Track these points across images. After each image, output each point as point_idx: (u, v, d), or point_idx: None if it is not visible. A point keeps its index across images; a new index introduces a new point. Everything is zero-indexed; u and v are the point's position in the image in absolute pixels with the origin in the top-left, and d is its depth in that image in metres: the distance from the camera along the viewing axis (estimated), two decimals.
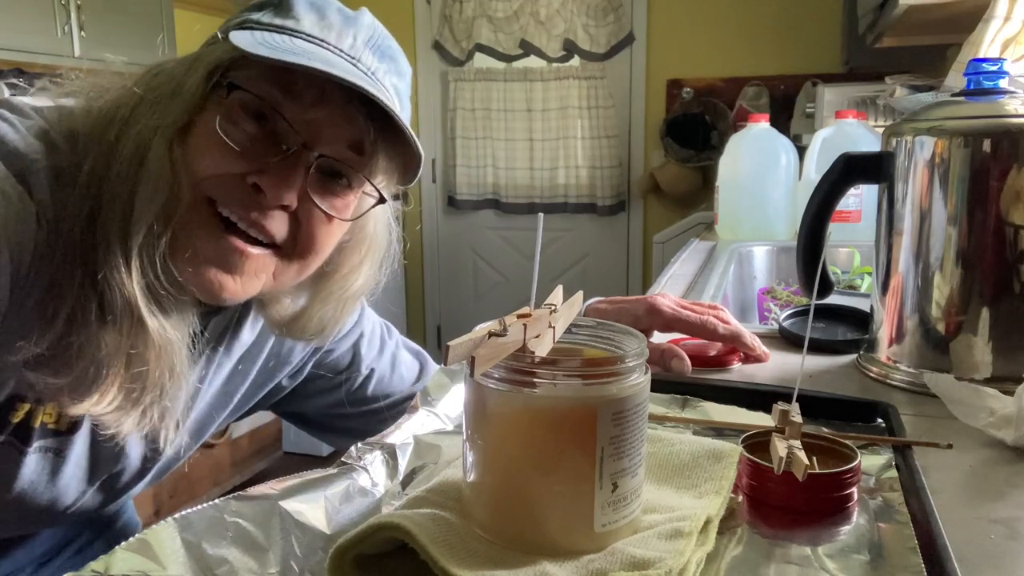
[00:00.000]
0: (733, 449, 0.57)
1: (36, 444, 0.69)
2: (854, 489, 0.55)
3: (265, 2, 0.69)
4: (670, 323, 0.86)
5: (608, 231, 3.91)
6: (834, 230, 0.84)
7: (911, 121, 0.81)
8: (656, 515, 0.50)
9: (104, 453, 0.74)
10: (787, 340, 0.96)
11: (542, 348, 0.46)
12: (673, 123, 3.62)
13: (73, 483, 0.74)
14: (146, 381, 0.66)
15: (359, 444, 0.57)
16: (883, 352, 0.84)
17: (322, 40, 0.67)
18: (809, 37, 3.45)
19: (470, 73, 3.92)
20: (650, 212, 3.85)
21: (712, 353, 0.87)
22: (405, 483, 0.57)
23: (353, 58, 0.68)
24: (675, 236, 2.79)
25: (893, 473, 0.59)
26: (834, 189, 0.84)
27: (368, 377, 0.95)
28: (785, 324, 0.98)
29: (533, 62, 3.86)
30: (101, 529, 0.98)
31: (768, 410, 0.61)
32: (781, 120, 3.06)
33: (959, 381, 0.72)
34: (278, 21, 0.67)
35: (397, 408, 0.96)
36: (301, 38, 0.66)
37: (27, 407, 0.68)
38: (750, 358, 0.88)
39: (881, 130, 1.05)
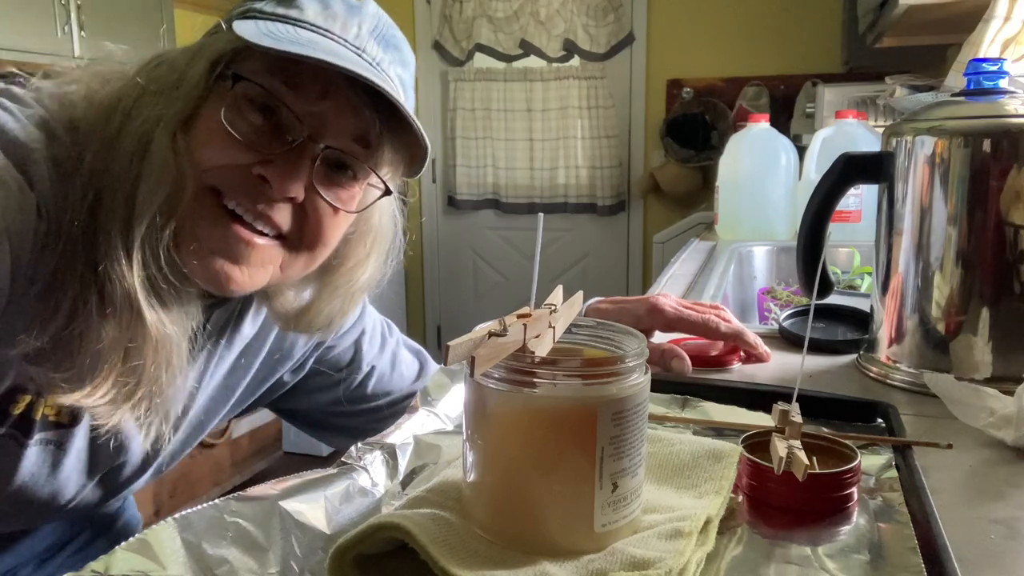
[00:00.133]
0: (733, 449, 0.57)
1: (37, 436, 0.69)
2: (854, 489, 0.55)
3: None
4: (672, 323, 0.86)
5: (608, 231, 3.91)
6: (834, 230, 0.84)
7: (911, 121, 0.81)
8: (656, 515, 0.50)
9: (104, 447, 0.74)
10: (787, 340, 0.96)
11: (542, 348, 0.46)
12: (673, 123, 3.62)
13: (73, 476, 0.74)
14: (141, 375, 0.66)
15: (359, 444, 0.57)
16: (883, 352, 0.84)
17: (326, 30, 0.66)
18: (809, 37, 3.45)
19: (470, 73, 3.91)
20: (650, 212, 3.85)
21: (713, 353, 0.87)
22: (405, 483, 0.57)
23: (358, 48, 0.67)
24: (675, 236, 2.79)
25: (893, 473, 0.59)
26: (834, 189, 0.84)
27: (369, 375, 0.94)
28: (785, 324, 0.98)
29: (533, 62, 3.86)
30: (103, 527, 0.98)
31: (768, 410, 0.61)
32: (781, 120, 3.06)
33: (959, 381, 0.72)
34: (281, 10, 0.66)
35: (396, 407, 0.96)
36: (305, 28, 0.65)
37: (28, 399, 0.67)
38: (752, 357, 0.88)
39: (881, 130, 1.05)
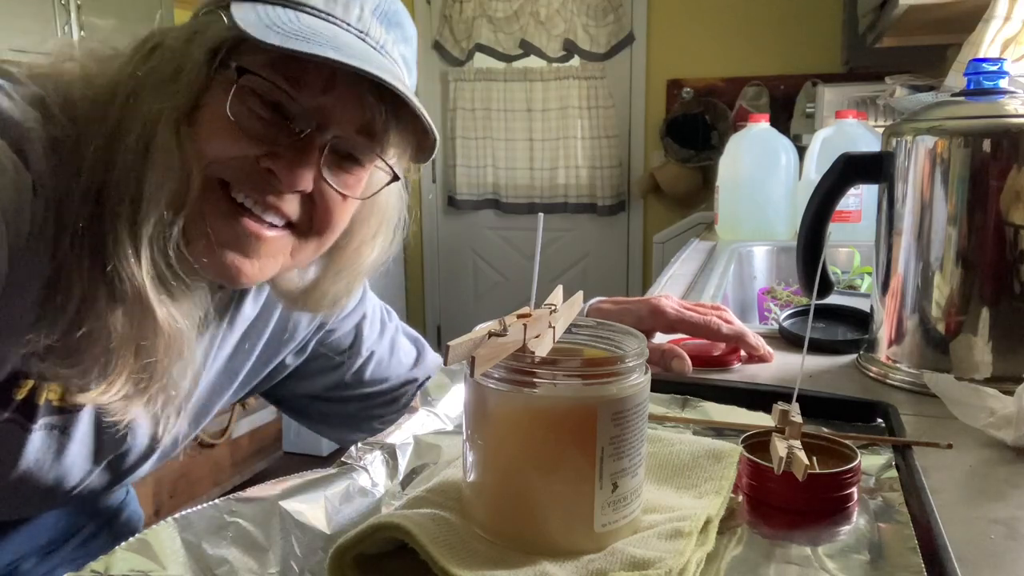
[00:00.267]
0: (733, 449, 0.57)
1: (41, 421, 0.69)
2: (854, 489, 0.55)
3: None
4: (674, 324, 0.86)
5: (608, 231, 3.91)
6: (834, 230, 0.84)
7: (911, 121, 0.81)
8: (656, 515, 0.50)
9: (110, 433, 0.73)
10: (787, 340, 0.96)
11: (542, 348, 0.46)
12: (673, 123, 3.62)
13: (78, 462, 0.74)
14: (154, 371, 0.66)
15: (359, 444, 0.57)
16: (883, 352, 0.84)
17: (328, 14, 0.65)
18: (809, 37, 3.45)
19: (470, 73, 3.91)
20: (650, 212, 3.85)
21: (715, 353, 0.87)
22: (405, 483, 0.57)
23: (361, 32, 0.66)
24: (675, 236, 2.79)
25: (893, 473, 0.59)
26: (834, 189, 0.84)
27: (368, 360, 0.94)
28: (785, 324, 0.98)
29: (533, 62, 3.86)
30: (106, 521, 0.98)
31: (768, 410, 0.61)
32: (781, 120, 3.06)
33: (959, 381, 0.72)
34: None
35: (392, 394, 0.95)
36: (307, 12, 0.64)
37: (30, 383, 0.67)
38: (754, 358, 0.88)
39: (881, 130, 1.05)
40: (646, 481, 0.51)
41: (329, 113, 0.65)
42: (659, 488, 0.54)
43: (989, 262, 0.75)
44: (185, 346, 0.67)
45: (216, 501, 0.48)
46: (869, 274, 1.42)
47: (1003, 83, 0.79)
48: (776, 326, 1.00)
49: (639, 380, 0.47)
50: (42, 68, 0.67)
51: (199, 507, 0.47)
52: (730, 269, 1.59)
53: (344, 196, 0.69)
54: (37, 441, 0.69)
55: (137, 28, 0.71)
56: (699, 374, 0.83)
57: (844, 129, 1.90)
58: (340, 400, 0.95)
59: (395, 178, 0.71)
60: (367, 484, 0.55)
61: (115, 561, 0.43)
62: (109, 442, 0.75)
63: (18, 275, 0.61)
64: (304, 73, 0.63)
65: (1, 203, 0.58)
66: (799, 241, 0.86)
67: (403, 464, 0.58)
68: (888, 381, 0.81)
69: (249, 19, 0.61)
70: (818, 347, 0.92)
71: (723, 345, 0.88)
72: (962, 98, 0.81)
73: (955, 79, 1.44)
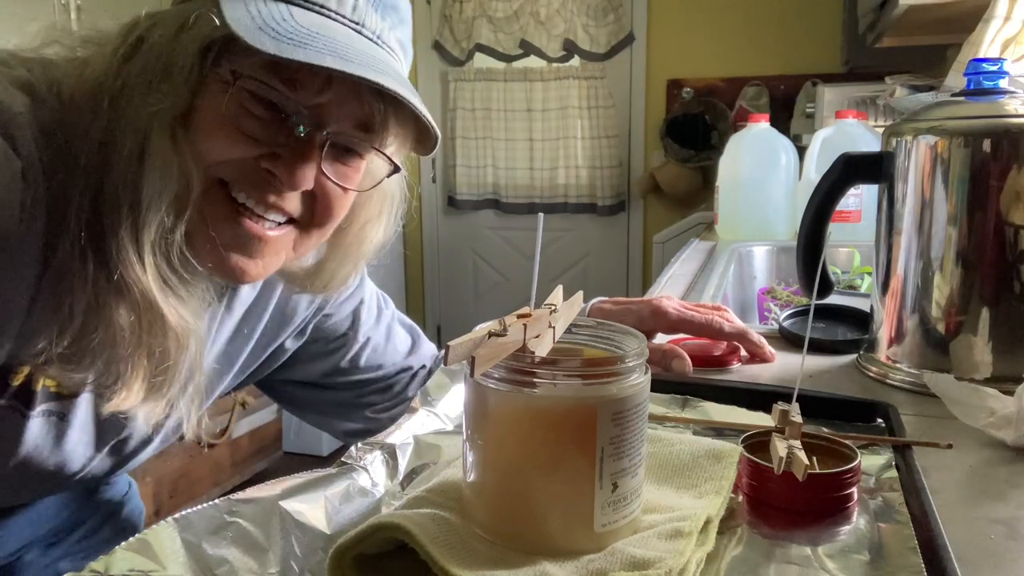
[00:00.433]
0: (733, 449, 0.57)
1: (39, 408, 0.69)
2: (854, 489, 0.55)
3: None
4: (676, 324, 0.86)
5: (608, 231, 3.91)
6: (834, 230, 0.84)
7: (911, 121, 0.81)
8: (656, 515, 0.50)
9: (110, 418, 0.73)
10: (787, 340, 0.96)
11: (542, 348, 0.46)
12: (673, 123, 3.62)
13: (79, 448, 0.74)
14: (167, 370, 0.66)
15: (359, 444, 0.57)
16: (883, 352, 0.84)
17: (321, 6, 0.63)
18: (809, 37, 3.45)
19: (470, 73, 3.91)
20: (650, 212, 3.85)
21: (715, 353, 0.87)
22: (405, 483, 0.57)
23: (358, 24, 0.64)
24: (675, 236, 2.79)
25: (893, 473, 0.59)
26: (834, 189, 0.84)
27: (364, 345, 0.93)
28: (785, 324, 0.98)
29: (533, 62, 3.86)
30: (108, 514, 0.98)
31: (768, 410, 0.61)
32: (781, 120, 3.06)
33: (959, 381, 0.72)
34: None
35: (387, 382, 0.95)
36: (300, 6, 0.62)
37: (26, 370, 0.67)
38: (756, 357, 0.88)
39: (881, 130, 1.05)
40: (646, 481, 0.51)
41: (327, 111, 0.64)
42: (659, 488, 0.54)
43: (989, 262, 0.75)
44: (196, 343, 0.68)
45: (216, 501, 0.48)
46: (869, 274, 1.42)
47: (1003, 83, 0.79)
48: (776, 326, 1.00)
49: (639, 380, 0.47)
50: (28, 52, 0.67)
51: (199, 507, 0.47)
52: (730, 269, 1.59)
53: (345, 189, 0.69)
54: (35, 427, 0.69)
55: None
56: (699, 374, 0.83)
57: (844, 129, 1.90)
58: (334, 387, 0.95)
59: (395, 169, 0.71)
60: (367, 484, 0.55)
61: (115, 561, 0.43)
62: (110, 428, 0.75)
63: (9, 259, 0.60)
64: (300, 74, 0.62)
65: None
66: (799, 241, 0.86)
67: (403, 464, 0.58)
68: (888, 381, 0.81)
69: (240, 19, 0.59)
70: (818, 347, 0.92)
71: (723, 345, 0.88)
72: (962, 98, 0.81)
73: (955, 79, 1.44)
